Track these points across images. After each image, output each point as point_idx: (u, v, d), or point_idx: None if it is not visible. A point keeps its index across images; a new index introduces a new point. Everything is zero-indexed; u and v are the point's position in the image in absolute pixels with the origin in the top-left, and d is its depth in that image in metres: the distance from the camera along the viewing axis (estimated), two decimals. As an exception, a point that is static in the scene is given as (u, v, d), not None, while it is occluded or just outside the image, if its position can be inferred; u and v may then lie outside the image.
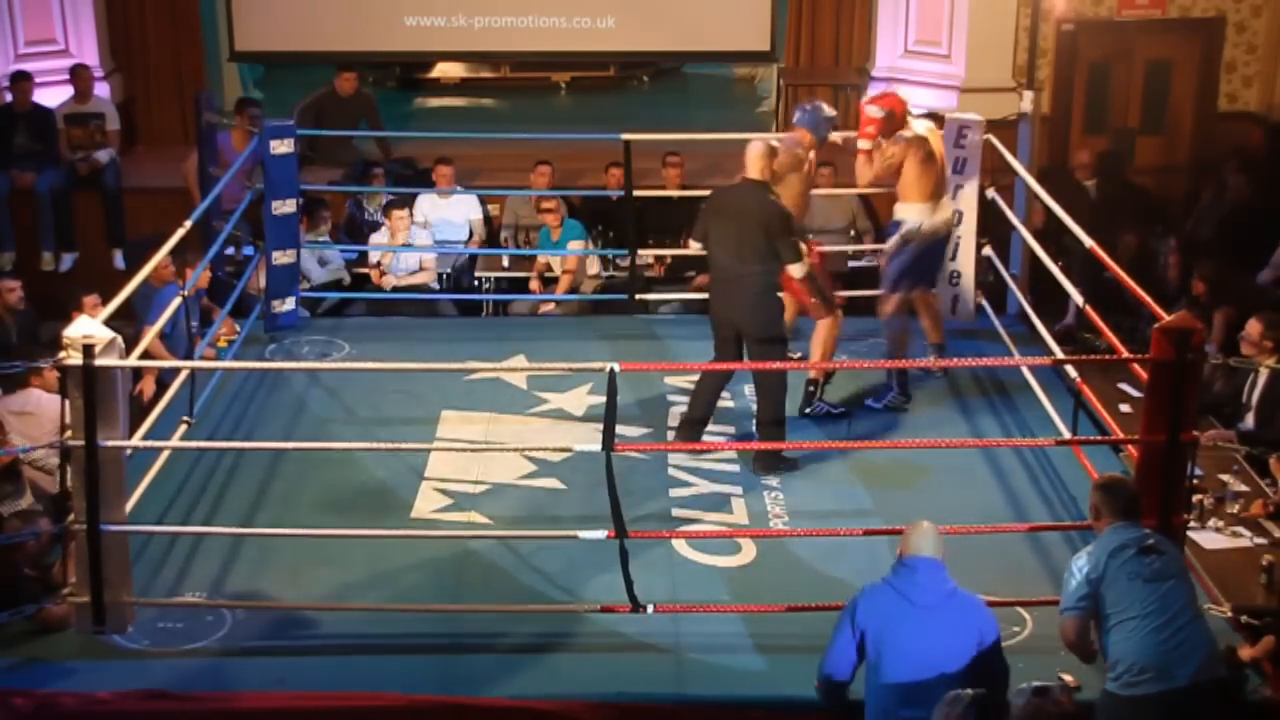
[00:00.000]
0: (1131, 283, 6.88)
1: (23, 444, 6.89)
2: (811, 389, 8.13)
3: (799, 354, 8.40)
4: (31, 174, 11.13)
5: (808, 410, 8.12)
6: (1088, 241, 7.46)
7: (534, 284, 10.47)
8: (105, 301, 7.61)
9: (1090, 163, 11.52)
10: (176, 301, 7.82)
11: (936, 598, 5.28)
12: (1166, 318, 6.06)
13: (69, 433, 5.94)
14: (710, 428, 7.94)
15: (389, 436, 7.78)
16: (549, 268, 10.51)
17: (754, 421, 7.72)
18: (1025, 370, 8.16)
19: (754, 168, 7.57)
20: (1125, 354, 6.85)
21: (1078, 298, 7.72)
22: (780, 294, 7.66)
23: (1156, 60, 12.43)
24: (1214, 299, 9.22)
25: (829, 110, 8.37)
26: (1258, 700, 5.75)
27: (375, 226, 10.66)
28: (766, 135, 7.77)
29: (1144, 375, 6.23)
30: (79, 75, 11.59)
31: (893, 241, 8.28)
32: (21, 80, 11.35)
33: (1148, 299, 6.66)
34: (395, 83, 14.17)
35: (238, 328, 9.00)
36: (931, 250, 8.33)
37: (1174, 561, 5.44)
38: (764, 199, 7.51)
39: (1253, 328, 7.80)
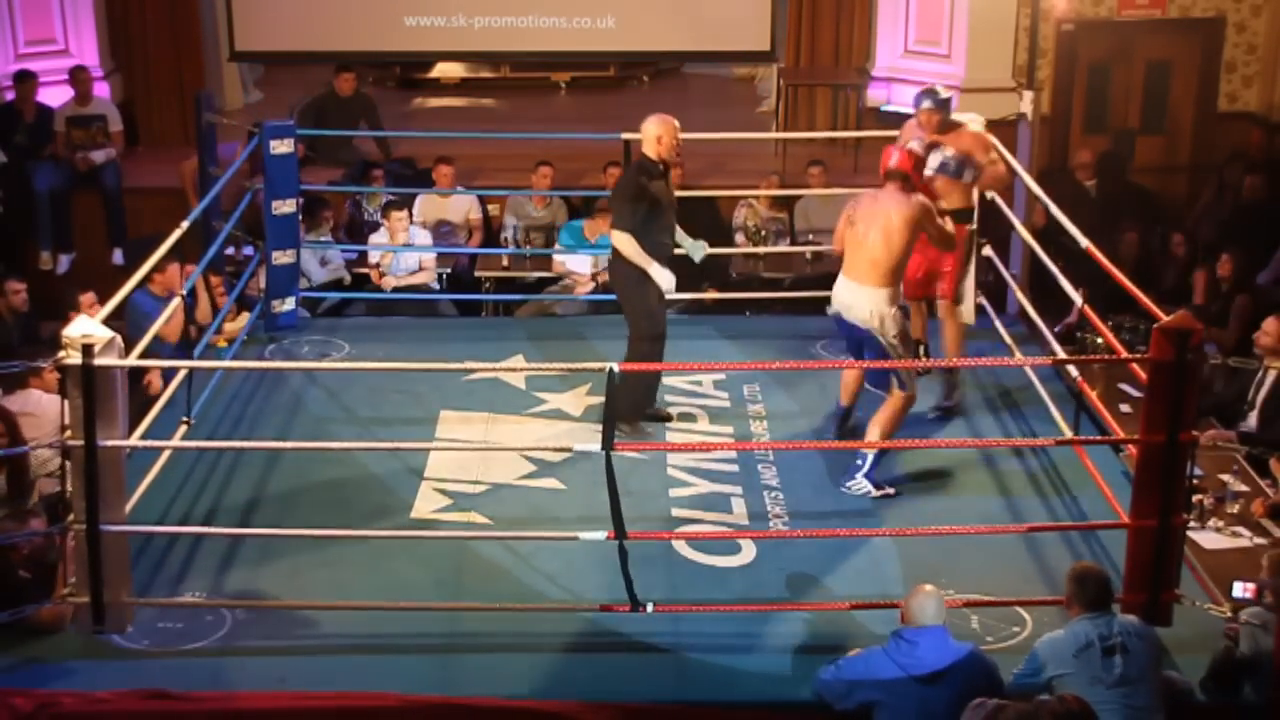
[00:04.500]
0: (1128, 282, 6.87)
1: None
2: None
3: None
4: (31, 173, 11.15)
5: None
6: (1084, 242, 7.46)
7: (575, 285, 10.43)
8: (102, 301, 7.61)
9: (1090, 163, 11.53)
10: (169, 308, 7.78)
11: (937, 669, 5.37)
12: (1165, 317, 6.06)
13: (69, 433, 5.94)
14: (710, 427, 7.96)
15: (388, 436, 7.78)
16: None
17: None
18: (1027, 370, 8.16)
19: (644, 143, 7.63)
20: (1125, 354, 6.84)
21: (1077, 298, 7.71)
22: (645, 282, 7.59)
23: (1156, 60, 12.44)
24: (1228, 294, 9.26)
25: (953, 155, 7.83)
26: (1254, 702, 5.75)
27: (375, 226, 10.67)
28: (666, 116, 7.70)
29: (1143, 375, 6.23)
30: (78, 77, 11.59)
31: None
32: (25, 80, 11.36)
33: (1144, 298, 6.65)
34: (395, 83, 14.18)
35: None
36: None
37: (1140, 659, 5.43)
38: (626, 175, 7.60)
39: (1271, 326, 7.79)
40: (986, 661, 5.54)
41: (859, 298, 7.18)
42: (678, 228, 7.86)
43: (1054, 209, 7.87)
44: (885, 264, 7.12)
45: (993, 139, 8.20)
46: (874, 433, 7.22)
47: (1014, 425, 8.04)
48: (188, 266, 8.56)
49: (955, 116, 8.21)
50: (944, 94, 8.05)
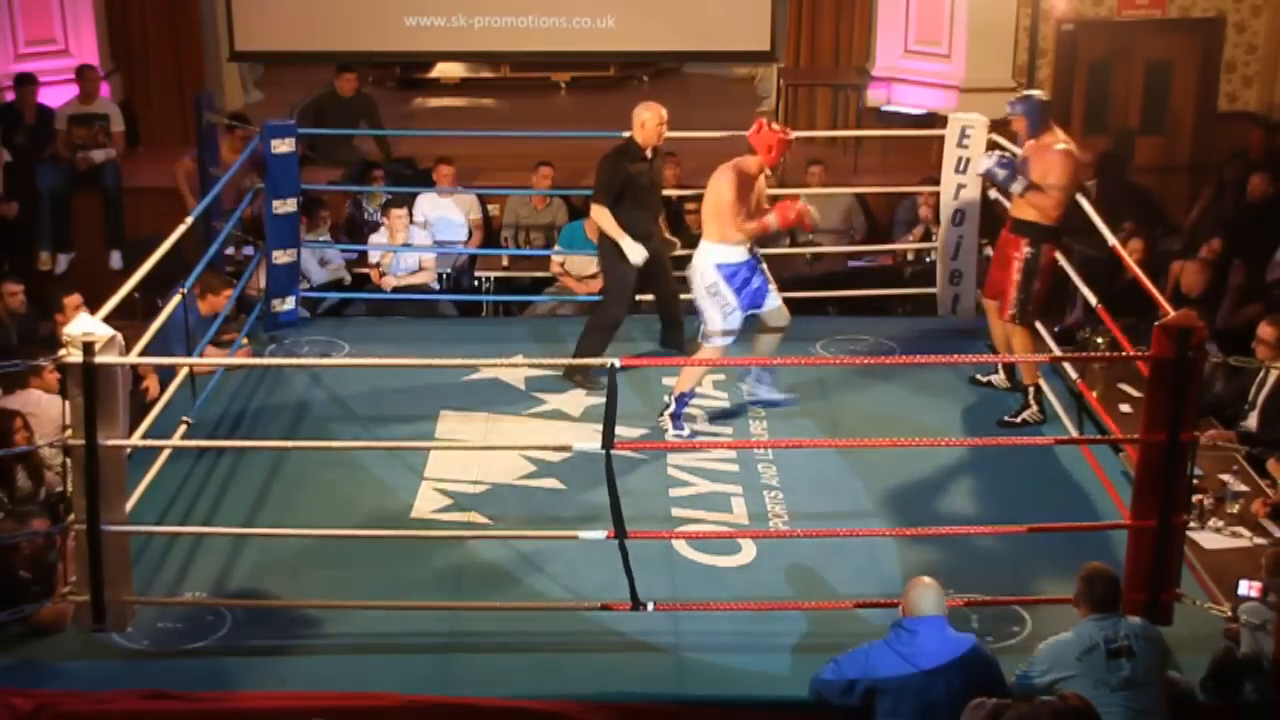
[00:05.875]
0: (1148, 283, 6.87)
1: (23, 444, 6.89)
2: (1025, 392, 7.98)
3: None
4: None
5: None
6: (1112, 240, 7.44)
7: (565, 281, 10.40)
8: (91, 302, 7.60)
9: (1090, 163, 11.50)
10: (175, 299, 7.78)
11: (938, 659, 5.34)
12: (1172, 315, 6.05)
13: (69, 432, 5.94)
14: (709, 427, 7.97)
15: (388, 436, 7.79)
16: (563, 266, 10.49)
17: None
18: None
19: (632, 127, 8.09)
20: (1124, 353, 6.84)
21: (1092, 298, 7.70)
22: (621, 258, 8.02)
23: (1156, 60, 12.44)
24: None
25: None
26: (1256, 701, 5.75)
27: (375, 226, 10.67)
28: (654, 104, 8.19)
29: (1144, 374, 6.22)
30: (85, 76, 11.60)
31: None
32: (26, 83, 11.36)
33: (1160, 298, 6.65)
34: (395, 83, 14.17)
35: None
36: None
37: (1146, 661, 5.42)
38: (607, 154, 8.10)
39: (1265, 331, 7.79)
40: (987, 654, 5.53)
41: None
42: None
43: (1089, 209, 7.84)
44: (704, 216, 7.76)
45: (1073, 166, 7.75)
46: (683, 381, 7.76)
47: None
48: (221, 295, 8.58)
49: (956, 116, 8.19)
50: (1037, 99, 7.81)
